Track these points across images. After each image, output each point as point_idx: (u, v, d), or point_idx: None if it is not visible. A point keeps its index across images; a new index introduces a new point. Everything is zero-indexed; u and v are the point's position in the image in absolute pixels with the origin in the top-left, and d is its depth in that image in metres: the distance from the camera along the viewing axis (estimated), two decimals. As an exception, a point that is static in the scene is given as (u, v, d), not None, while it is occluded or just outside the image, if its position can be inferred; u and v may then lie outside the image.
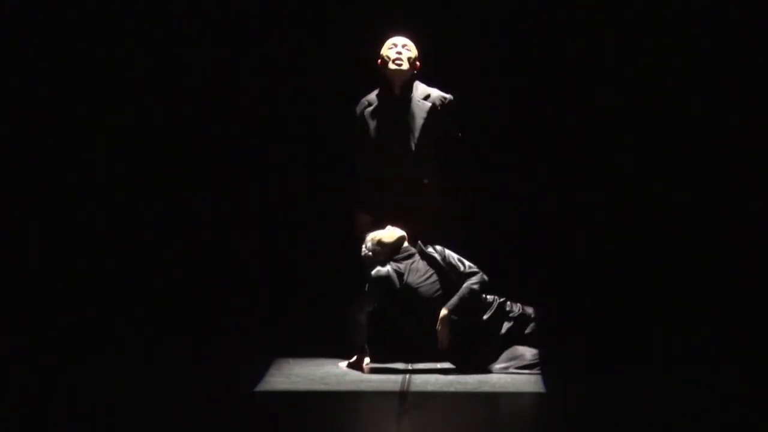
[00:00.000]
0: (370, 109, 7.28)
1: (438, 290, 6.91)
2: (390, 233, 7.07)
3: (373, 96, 7.31)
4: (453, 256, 6.97)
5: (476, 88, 7.94)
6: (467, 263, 6.95)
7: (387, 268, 6.95)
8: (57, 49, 8.05)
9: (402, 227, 7.08)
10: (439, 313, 6.84)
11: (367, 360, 6.95)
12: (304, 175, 8.12)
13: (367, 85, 7.40)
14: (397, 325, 7.02)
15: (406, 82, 7.25)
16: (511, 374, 6.75)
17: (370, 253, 7.02)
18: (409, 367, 6.97)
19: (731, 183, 7.94)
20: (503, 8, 8.04)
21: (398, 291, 6.91)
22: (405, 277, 6.94)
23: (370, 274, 6.95)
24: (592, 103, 8.04)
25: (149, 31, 8.06)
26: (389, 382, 6.61)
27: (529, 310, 6.98)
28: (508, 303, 6.96)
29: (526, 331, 6.91)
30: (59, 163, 8.09)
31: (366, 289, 6.94)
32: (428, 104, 7.22)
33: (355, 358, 6.97)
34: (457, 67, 7.95)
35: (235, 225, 8.14)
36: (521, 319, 6.92)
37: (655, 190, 8.01)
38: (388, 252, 7.03)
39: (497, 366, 6.83)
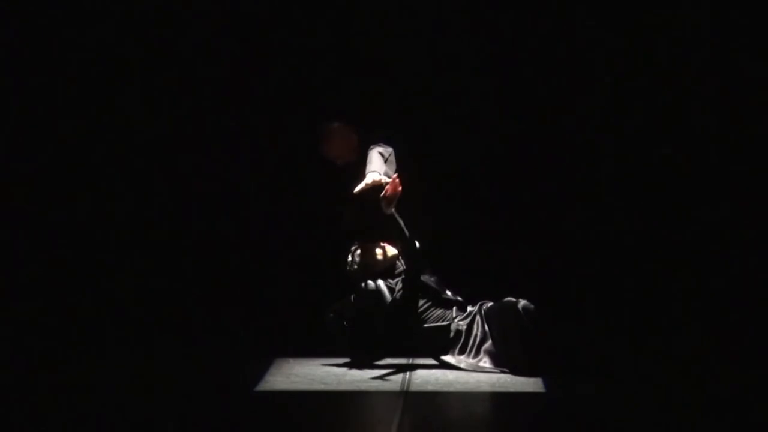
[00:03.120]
0: None
1: (425, 308, 6.94)
2: (383, 251, 7.10)
3: None
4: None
5: (475, 91, 7.96)
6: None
7: (378, 283, 6.99)
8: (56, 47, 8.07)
9: (393, 245, 7.10)
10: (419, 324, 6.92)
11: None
12: (305, 175, 8.11)
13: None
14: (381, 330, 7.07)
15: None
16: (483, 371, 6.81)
17: (357, 267, 7.03)
18: (410, 362, 7.01)
19: (731, 183, 7.95)
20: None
21: (386, 306, 6.94)
22: (394, 294, 6.98)
23: (360, 286, 6.99)
24: (591, 103, 8.06)
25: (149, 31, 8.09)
26: (389, 382, 6.61)
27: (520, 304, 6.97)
28: (485, 306, 6.97)
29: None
30: (57, 163, 8.09)
31: (352, 299, 6.97)
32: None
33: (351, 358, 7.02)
34: (454, 67, 7.97)
35: (236, 225, 8.13)
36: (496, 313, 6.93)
37: (655, 189, 8.01)
38: (380, 268, 7.06)
39: (471, 360, 6.87)
